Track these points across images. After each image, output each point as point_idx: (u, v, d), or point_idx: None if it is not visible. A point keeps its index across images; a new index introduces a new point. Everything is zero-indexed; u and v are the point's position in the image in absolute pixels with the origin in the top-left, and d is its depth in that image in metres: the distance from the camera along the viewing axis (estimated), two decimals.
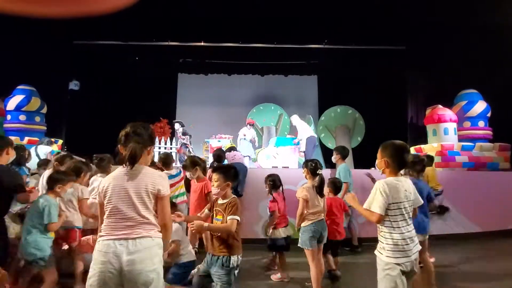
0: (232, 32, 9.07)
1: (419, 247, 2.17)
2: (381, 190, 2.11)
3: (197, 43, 9.67)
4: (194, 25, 8.76)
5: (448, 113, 7.48)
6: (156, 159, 5.54)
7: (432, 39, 8.50)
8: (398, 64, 9.53)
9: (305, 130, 7.60)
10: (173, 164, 4.61)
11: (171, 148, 9.14)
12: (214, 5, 7.89)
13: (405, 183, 2.18)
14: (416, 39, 8.90)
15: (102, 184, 1.92)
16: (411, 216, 2.18)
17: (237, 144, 8.32)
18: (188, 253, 3.42)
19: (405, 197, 2.12)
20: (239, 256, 2.41)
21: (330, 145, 11.06)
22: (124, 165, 1.89)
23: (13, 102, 7.63)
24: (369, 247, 3.14)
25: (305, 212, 3.27)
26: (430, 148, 7.25)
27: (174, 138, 9.36)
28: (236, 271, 2.39)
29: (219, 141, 8.64)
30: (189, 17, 8.36)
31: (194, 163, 4.17)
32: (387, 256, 2.08)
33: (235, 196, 2.50)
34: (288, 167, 7.05)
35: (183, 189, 4.41)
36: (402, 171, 2.28)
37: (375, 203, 2.11)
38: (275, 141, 8.58)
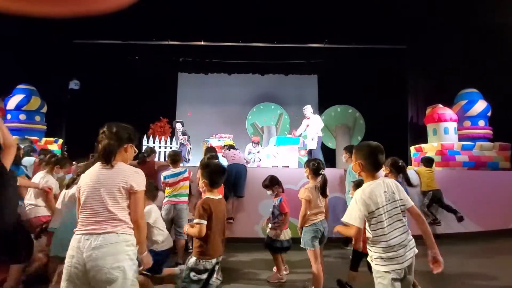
0: (232, 31, 9.06)
1: (415, 251, 2.02)
2: (358, 200, 1.97)
3: (197, 42, 9.66)
4: (194, 24, 8.76)
5: (448, 112, 7.48)
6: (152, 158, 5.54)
7: (433, 38, 8.49)
8: (398, 63, 9.52)
9: (319, 127, 7.37)
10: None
11: (171, 147, 9.15)
12: (214, 4, 7.88)
13: (385, 184, 2.01)
14: (417, 38, 8.89)
15: (80, 181, 1.93)
16: (401, 218, 1.98)
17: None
18: (166, 240, 3.38)
19: (386, 199, 1.95)
20: (200, 261, 2.28)
21: (330, 144, 11.07)
22: (100, 162, 1.90)
23: (13, 102, 7.63)
24: None
25: (308, 213, 3.26)
26: (430, 147, 7.25)
27: (174, 137, 9.37)
28: (192, 274, 2.25)
29: (219, 140, 8.65)
30: (189, 16, 8.35)
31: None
32: (376, 264, 1.97)
33: (207, 197, 2.40)
34: (288, 167, 7.04)
35: (187, 191, 4.32)
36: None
37: (352, 215, 1.97)
38: (275, 141, 8.58)
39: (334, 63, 10.81)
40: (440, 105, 7.72)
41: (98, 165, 1.91)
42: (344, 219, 2.02)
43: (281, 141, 8.02)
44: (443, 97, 7.96)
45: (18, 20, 6.63)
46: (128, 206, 1.88)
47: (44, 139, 7.62)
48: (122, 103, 10.49)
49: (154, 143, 9.17)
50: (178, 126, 8.79)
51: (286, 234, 3.69)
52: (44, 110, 8.11)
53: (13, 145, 2.71)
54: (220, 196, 2.48)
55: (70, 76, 9.73)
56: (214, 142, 8.59)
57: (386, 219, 1.93)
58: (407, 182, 3.63)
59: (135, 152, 2.04)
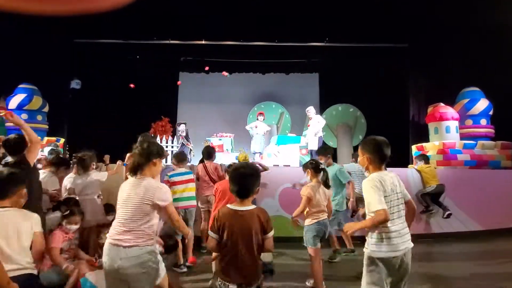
0: (233, 30, 9.04)
1: (410, 245, 2.08)
2: (372, 186, 2.05)
3: (198, 42, 9.65)
4: (195, 23, 8.75)
5: (450, 111, 7.46)
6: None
7: (434, 37, 8.46)
8: (400, 62, 9.48)
9: (319, 126, 7.44)
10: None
11: (172, 147, 9.16)
12: (215, 3, 7.87)
13: (389, 177, 2.14)
14: (418, 36, 8.85)
15: (119, 190, 2.26)
16: (400, 210, 2.10)
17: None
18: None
19: (391, 190, 2.08)
20: (218, 278, 1.98)
21: (332, 143, 11.05)
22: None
23: (15, 101, 7.66)
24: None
25: (308, 210, 3.27)
26: (431, 146, 7.23)
27: (175, 137, 9.38)
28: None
29: (220, 139, 8.64)
30: (189, 15, 8.35)
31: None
32: (371, 250, 2.05)
33: (226, 206, 2.07)
34: (289, 166, 7.04)
35: (194, 193, 4.31)
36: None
37: (373, 202, 2.02)
38: (276, 140, 8.57)
39: (335, 61, 10.76)
40: (442, 104, 7.69)
41: (131, 178, 2.21)
42: (369, 209, 2.04)
43: (282, 140, 8.02)
44: (445, 96, 7.94)
45: (20, 20, 6.64)
46: (154, 216, 2.18)
47: (45, 138, 7.64)
48: (123, 103, 10.50)
49: None
50: (182, 127, 8.76)
51: (266, 256, 3.45)
52: (46, 109, 8.13)
53: (38, 141, 2.99)
54: (248, 208, 1.97)
55: (71, 75, 9.74)
56: (215, 141, 8.58)
57: (389, 208, 2.02)
58: None
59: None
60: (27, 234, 2.13)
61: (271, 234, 1.97)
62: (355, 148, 10.20)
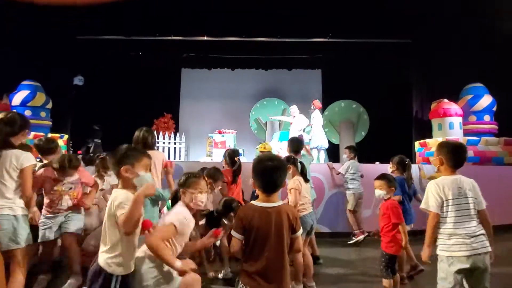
0: (236, 26, 9.02)
1: (487, 249, 2.10)
2: (432, 190, 2.20)
3: (200, 38, 9.63)
4: (197, 19, 8.72)
5: (453, 107, 7.42)
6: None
7: (437, 32, 8.39)
8: (403, 57, 9.43)
9: (301, 126, 7.66)
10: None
11: (175, 143, 9.20)
12: None
13: (460, 181, 2.21)
14: (421, 32, 8.79)
15: None
16: (471, 214, 2.15)
17: (313, 132, 7.64)
18: None
19: (459, 194, 2.16)
20: (240, 283, 1.81)
21: (334, 140, 11.04)
22: None
23: (18, 98, 7.69)
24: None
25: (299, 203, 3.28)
26: (435, 142, 7.20)
27: (177, 133, 9.42)
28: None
29: (223, 135, 8.65)
30: (192, 11, 8.32)
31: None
32: (440, 250, 2.15)
33: (250, 202, 1.98)
34: None
35: None
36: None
37: (429, 202, 2.21)
38: (278, 136, 8.58)
39: (338, 57, 10.71)
40: (445, 100, 7.65)
41: None
42: (422, 206, 2.27)
43: (284, 136, 8.02)
44: (448, 92, 7.89)
45: (23, 16, 6.66)
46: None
47: (49, 135, 7.67)
48: (126, 99, 10.53)
49: (158, 139, 9.20)
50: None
51: None
52: (49, 106, 8.16)
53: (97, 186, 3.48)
54: (276, 204, 1.80)
55: (74, 72, 9.77)
56: (218, 137, 8.59)
57: (454, 211, 2.13)
58: (409, 180, 3.72)
59: None
60: (15, 170, 2.24)
61: (299, 233, 1.84)
62: (358, 145, 10.18)
